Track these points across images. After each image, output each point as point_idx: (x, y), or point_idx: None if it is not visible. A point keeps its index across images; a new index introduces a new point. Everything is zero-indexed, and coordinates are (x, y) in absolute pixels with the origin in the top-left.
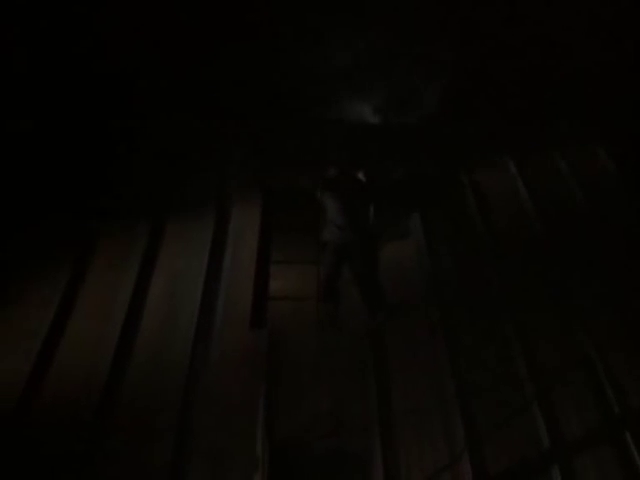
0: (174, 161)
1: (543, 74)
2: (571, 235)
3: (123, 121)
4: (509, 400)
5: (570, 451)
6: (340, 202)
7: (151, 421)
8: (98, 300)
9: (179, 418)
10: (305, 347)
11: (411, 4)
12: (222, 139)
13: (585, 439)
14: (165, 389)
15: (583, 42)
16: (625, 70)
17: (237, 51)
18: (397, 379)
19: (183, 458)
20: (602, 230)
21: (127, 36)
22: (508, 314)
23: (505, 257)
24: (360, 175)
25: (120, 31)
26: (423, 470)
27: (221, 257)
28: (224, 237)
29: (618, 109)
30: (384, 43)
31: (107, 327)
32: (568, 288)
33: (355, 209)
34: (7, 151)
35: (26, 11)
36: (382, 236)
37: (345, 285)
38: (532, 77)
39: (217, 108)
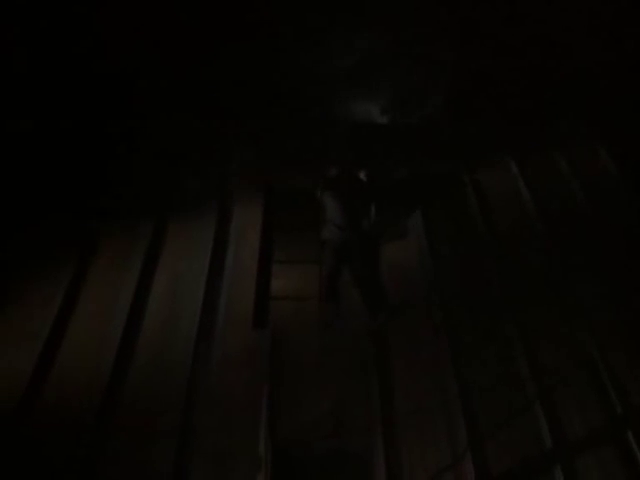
0: (175, 161)
1: (544, 74)
2: (572, 235)
3: (123, 121)
4: (511, 400)
5: (572, 451)
6: (340, 202)
7: (153, 422)
8: (100, 300)
9: (181, 418)
10: (307, 347)
11: (411, 4)
12: (223, 139)
13: (587, 439)
14: (167, 389)
15: (583, 42)
16: (625, 70)
17: (237, 51)
18: (399, 379)
19: (186, 459)
20: (603, 230)
21: (127, 36)
22: (510, 314)
23: (506, 257)
24: (361, 175)
25: (120, 31)
26: (426, 470)
27: (223, 257)
28: (226, 237)
29: (618, 109)
30: (384, 43)
31: (109, 327)
32: (569, 288)
33: (355, 209)
34: (7, 151)
35: (26, 11)
36: (382, 236)
37: (346, 285)
38: (533, 77)
39: (217, 108)
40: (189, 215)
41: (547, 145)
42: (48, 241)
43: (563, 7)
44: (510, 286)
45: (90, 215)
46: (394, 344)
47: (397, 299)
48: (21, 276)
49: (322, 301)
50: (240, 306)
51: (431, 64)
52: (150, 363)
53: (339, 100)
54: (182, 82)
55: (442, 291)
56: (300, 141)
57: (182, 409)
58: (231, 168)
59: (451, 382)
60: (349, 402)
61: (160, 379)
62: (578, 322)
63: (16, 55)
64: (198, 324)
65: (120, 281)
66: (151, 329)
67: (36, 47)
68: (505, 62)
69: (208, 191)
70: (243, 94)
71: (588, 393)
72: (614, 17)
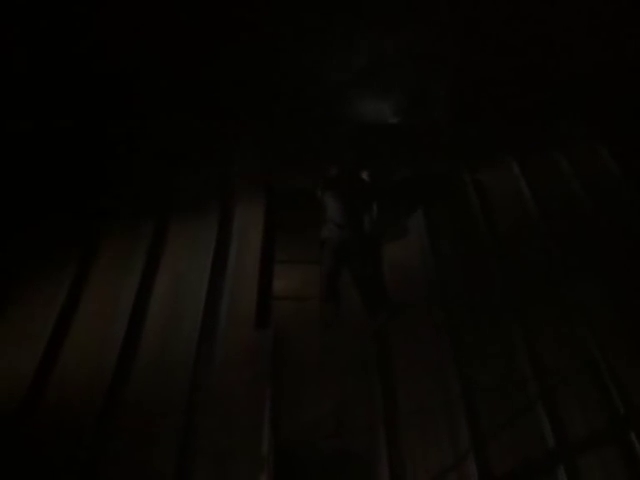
0: (175, 161)
1: (545, 74)
2: (573, 234)
3: (123, 121)
4: (513, 400)
5: (575, 451)
6: (341, 201)
7: (155, 422)
8: (101, 301)
9: (183, 419)
10: (309, 347)
11: (411, 4)
12: (224, 139)
13: (590, 439)
14: (169, 390)
15: (584, 42)
16: (626, 70)
17: (237, 51)
18: (401, 379)
19: (188, 459)
20: (604, 229)
21: (127, 36)
22: (511, 314)
23: (508, 257)
24: (363, 175)
25: (120, 31)
26: (428, 470)
27: (225, 257)
28: (228, 237)
29: (619, 108)
30: (384, 43)
31: (111, 328)
32: (571, 287)
33: (355, 209)
34: (7, 151)
35: (26, 11)
36: (384, 236)
37: (346, 285)
38: (534, 77)
39: (218, 108)
40: (190, 215)
41: (548, 145)
42: (49, 241)
43: (563, 7)
44: (512, 286)
45: (91, 215)
46: (396, 344)
47: (399, 299)
48: (22, 277)
49: (322, 301)
50: (242, 306)
51: (432, 64)
52: (152, 363)
53: (340, 100)
54: (182, 82)
55: (444, 291)
56: (301, 141)
57: (184, 409)
58: (232, 168)
59: (453, 382)
60: (351, 402)
61: (162, 379)
62: (580, 322)
63: (16, 55)
64: (200, 324)
65: (122, 281)
66: (153, 329)
67: (36, 47)
68: (506, 62)
69: (209, 191)
70: (243, 94)
71: (590, 393)
72: (614, 17)
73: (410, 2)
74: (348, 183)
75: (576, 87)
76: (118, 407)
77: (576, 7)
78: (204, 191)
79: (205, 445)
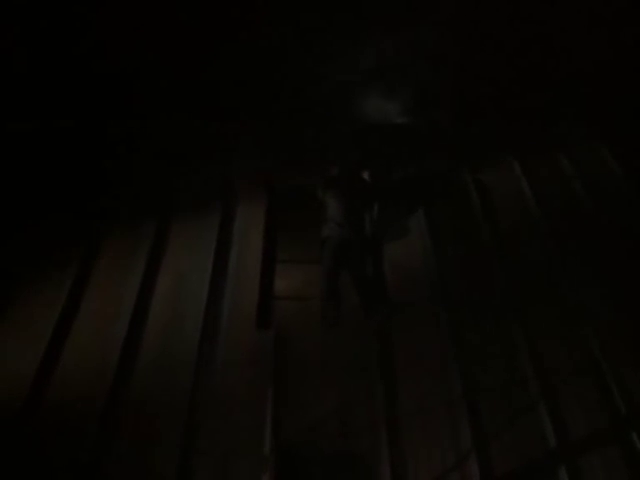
0: (176, 161)
1: (545, 74)
2: (575, 234)
3: (123, 121)
4: (515, 400)
5: (576, 451)
6: (341, 201)
7: (157, 422)
8: (103, 301)
9: (185, 419)
10: (311, 347)
11: (412, 4)
12: (225, 139)
13: (592, 439)
14: (171, 390)
15: (584, 42)
16: (627, 69)
17: (237, 51)
18: (403, 379)
19: (190, 459)
20: (606, 229)
21: (127, 36)
22: (513, 314)
23: (509, 256)
24: (365, 175)
25: (120, 31)
26: (430, 470)
27: (226, 257)
28: (229, 237)
29: (620, 108)
30: (385, 43)
31: (112, 328)
32: (573, 288)
33: (356, 208)
34: (7, 151)
35: (26, 11)
36: (385, 235)
37: (348, 285)
38: (534, 77)
39: (218, 108)
40: (192, 215)
41: (550, 145)
42: (49, 242)
43: (563, 7)
44: (513, 286)
45: (91, 215)
46: (397, 343)
47: (399, 298)
48: (23, 277)
49: (322, 301)
50: (243, 306)
51: (433, 64)
52: (153, 364)
53: (341, 100)
54: (182, 82)
55: (445, 290)
56: (302, 141)
57: (186, 409)
58: (233, 168)
59: (455, 382)
60: (353, 402)
61: (163, 380)
62: (581, 322)
63: (16, 55)
64: (201, 324)
65: (123, 282)
66: (154, 330)
67: (36, 47)
68: (507, 62)
69: (210, 191)
70: (243, 94)
71: (591, 393)
72: (614, 17)
73: (410, 2)
74: (349, 182)
75: (577, 87)
76: (120, 407)
77: (576, 7)
78: (205, 191)
79: (207, 445)
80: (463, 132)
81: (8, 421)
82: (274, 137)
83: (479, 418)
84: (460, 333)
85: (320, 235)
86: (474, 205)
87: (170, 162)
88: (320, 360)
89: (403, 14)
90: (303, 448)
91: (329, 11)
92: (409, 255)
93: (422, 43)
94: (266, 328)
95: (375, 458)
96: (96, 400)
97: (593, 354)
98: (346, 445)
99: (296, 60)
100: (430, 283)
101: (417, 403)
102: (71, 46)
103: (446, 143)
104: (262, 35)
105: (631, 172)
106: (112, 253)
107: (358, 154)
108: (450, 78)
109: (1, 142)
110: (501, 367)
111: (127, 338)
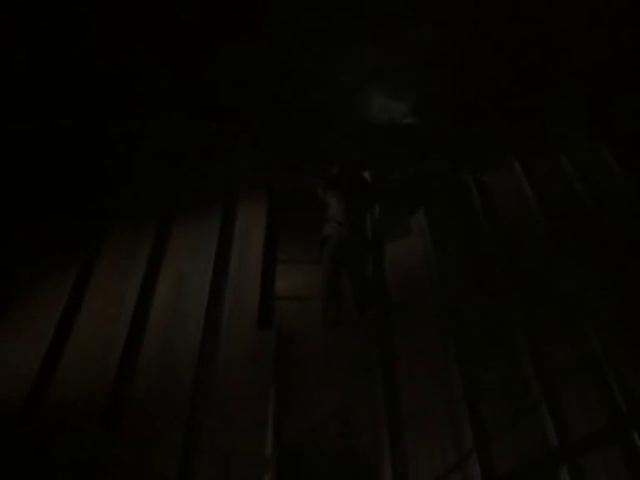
0: (176, 161)
1: (546, 74)
2: (576, 234)
3: (123, 121)
4: (517, 400)
5: (578, 451)
6: (342, 200)
7: (159, 422)
8: (104, 301)
9: (187, 419)
10: (312, 347)
11: (412, 4)
12: (225, 139)
13: (593, 439)
14: (172, 390)
15: (585, 41)
16: (627, 69)
17: (237, 51)
18: (404, 379)
19: (191, 459)
20: (606, 229)
21: (127, 36)
22: (514, 313)
23: (510, 256)
24: (366, 175)
25: (120, 31)
26: (431, 470)
27: (227, 257)
28: (230, 237)
29: (620, 108)
30: (385, 43)
31: (113, 328)
32: (574, 287)
33: (357, 208)
34: (7, 151)
35: (26, 11)
36: (386, 235)
37: (348, 285)
38: (535, 77)
39: (218, 108)
40: (192, 215)
41: (550, 145)
42: (50, 242)
43: (564, 7)
44: (514, 285)
45: (92, 216)
46: (398, 343)
47: (401, 298)
48: (24, 278)
49: (322, 300)
50: (244, 306)
51: (434, 64)
52: (154, 364)
53: (341, 100)
54: (182, 82)
55: (446, 290)
56: (302, 141)
57: (187, 409)
58: (233, 169)
59: (456, 382)
60: (354, 402)
61: (165, 380)
62: (582, 322)
63: (16, 55)
64: (202, 325)
65: (124, 282)
66: (155, 330)
67: (36, 47)
68: (507, 62)
69: (211, 192)
70: (243, 94)
71: (593, 393)
72: (614, 17)
73: (411, 2)
74: (350, 182)
75: (577, 87)
76: (121, 407)
77: (576, 7)
78: (206, 191)
79: (208, 445)
80: (464, 132)
81: (9, 421)
82: (274, 137)
83: (480, 418)
84: (461, 333)
85: (321, 234)
86: (475, 205)
87: (170, 162)
88: (321, 360)
89: (403, 14)
90: (304, 448)
91: (329, 11)
92: (410, 255)
93: (422, 43)
94: (267, 328)
95: (376, 458)
96: (97, 400)
97: (594, 354)
98: (347, 445)
99: (296, 60)
100: (431, 283)
101: (418, 403)
102: (71, 46)
103: (447, 143)
104: (262, 35)
105: (631, 172)
106: (113, 253)
107: (359, 154)
108: (450, 78)
109: (1, 142)
110: (502, 367)
111: (128, 338)
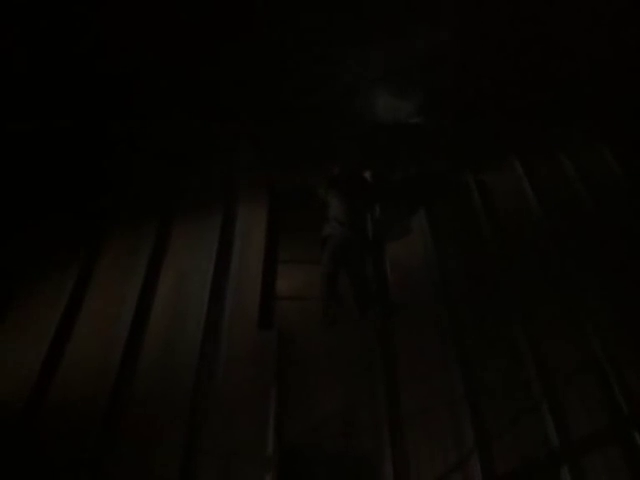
0: (176, 161)
1: (546, 74)
2: (577, 234)
3: (123, 121)
4: (518, 400)
5: (579, 451)
6: (343, 200)
7: (160, 423)
8: (105, 301)
9: (188, 419)
10: (313, 347)
11: (412, 4)
12: (226, 139)
13: (594, 439)
14: (174, 390)
15: (585, 41)
16: (628, 69)
17: (237, 51)
18: (405, 379)
19: (192, 460)
20: (607, 229)
21: (127, 36)
22: (515, 314)
23: (511, 256)
24: (366, 175)
25: (120, 31)
26: (432, 470)
27: (228, 257)
28: (231, 237)
29: (621, 108)
30: (385, 44)
31: (114, 328)
32: (575, 287)
33: (357, 208)
34: (8, 151)
35: (26, 11)
36: (386, 235)
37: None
38: (536, 77)
39: (218, 108)
40: (193, 215)
41: (551, 145)
42: (50, 242)
43: (564, 7)
44: (514, 285)
45: (92, 216)
46: (400, 344)
47: (401, 298)
48: (24, 278)
49: (322, 300)
50: (245, 306)
51: (434, 64)
52: (155, 364)
53: (342, 100)
54: (182, 82)
55: (447, 290)
56: (303, 141)
57: (188, 410)
58: (234, 169)
59: (457, 382)
60: (356, 402)
61: (166, 380)
62: (583, 322)
63: (16, 55)
64: (203, 325)
65: (125, 282)
66: (156, 330)
67: (36, 47)
68: (508, 62)
69: (211, 192)
70: (243, 94)
71: (594, 393)
72: (615, 17)
73: (411, 2)
74: (351, 182)
75: (578, 87)
76: (122, 407)
77: (577, 7)
78: (206, 191)
79: (209, 445)
80: (464, 132)
81: (10, 421)
82: (274, 137)
83: (481, 418)
84: (461, 333)
85: (322, 234)
86: (475, 205)
87: (171, 162)
88: (322, 360)
89: (403, 14)
90: (305, 448)
91: (329, 11)
92: (410, 255)
93: (423, 43)
94: (268, 328)
95: (378, 458)
96: (98, 400)
97: (595, 354)
98: (349, 445)
99: (296, 60)
100: (432, 283)
101: (419, 403)
102: (71, 46)
103: (447, 143)
104: (262, 35)
105: (631, 172)
106: (113, 253)
107: (359, 154)
108: (451, 78)
109: (1, 142)
110: (503, 367)
111: (129, 338)
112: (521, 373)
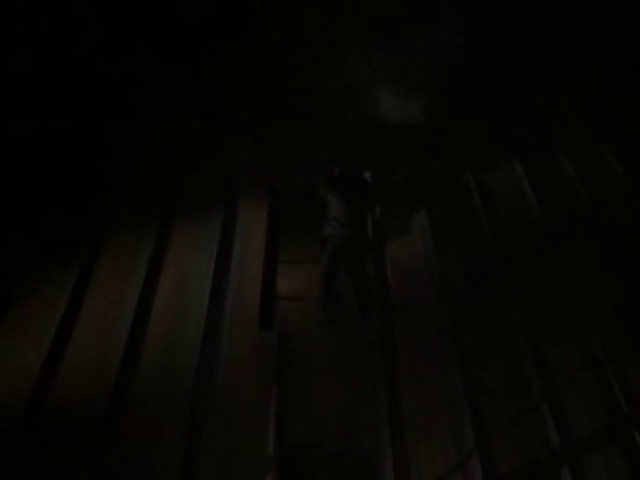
0: (177, 162)
1: (547, 74)
2: (577, 234)
3: (123, 121)
4: (518, 400)
5: (579, 451)
6: (343, 200)
7: (160, 423)
8: (105, 302)
9: (188, 419)
10: (314, 347)
11: (413, 4)
12: (226, 139)
13: (594, 439)
14: (174, 391)
15: (586, 41)
16: (629, 69)
17: (237, 51)
18: (406, 379)
19: (193, 460)
20: (607, 229)
21: (127, 36)
22: (515, 314)
23: (511, 256)
24: (366, 175)
25: (120, 31)
26: (433, 470)
27: (228, 257)
28: (231, 237)
29: (622, 108)
30: (386, 44)
31: (115, 329)
32: (575, 288)
33: (358, 208)
34: (7, 151)
35: (26, 11)
36: (387, 235)
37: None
38: (536, 77)
39: (218, 108)
40: (193, 216)
41: (551, 145)
42: (51, 242)
43: (565, 7)
44: (515, 286)
45: (93, 216)
46: (400, 344)
47: (402, 298)
48: (25, 278)
49: (320, 300)
50: (246, 307)
51: (435, 64)
52: (156, 364)
53: (342, 100)
54: (182, 82)
55: (447, 291)
56: (303, 141)
57: (188, 410)
58: (234, 169)
59: (457, 382)
60: (356, 402)
61: (167, 380)
62: (583, 322)
63: (16, 55)
64: (204, 325)
65: (125, 282)
66: (157, 330)
67: (36, 47)
68: (509, 62)
69: (212, 192)
70: (243, 94)
71: (594, 393)
72: (616, 17)
73: (412, 2)
74: (351, 182)
75: (578, 87)
76: (122, 408)
77: (578, 7)
78: (206, 191)
79: (210, 446)
80: (465, 132)
81: (10, 422)
82: (275, 137)
83: (481, 418)
84: (462, 333)
85: (322, 234)
86: (476, 205)
87: (171, 162)
88: (323, 360)
89: (404, 14)
90: (306, 448)
91: (329, 11)
92: (411, 255)
93: (424, 43)
94: (269, 328)
95: (378, 458)
96: (98, 401)
97: (595, 354)
98: (349, 445)
99: (296, 60)
100: (432, 283)
101: (419, 403)
102: (71, 46)
103: (448, 143)
104: (262, 35)
105: (631, 172)
106: (113, 253)
107: (360, 154)
108: (452, 78)
109: (1, 142)
110: (503, 367)
111: (129, 339)
112: (521, 373)
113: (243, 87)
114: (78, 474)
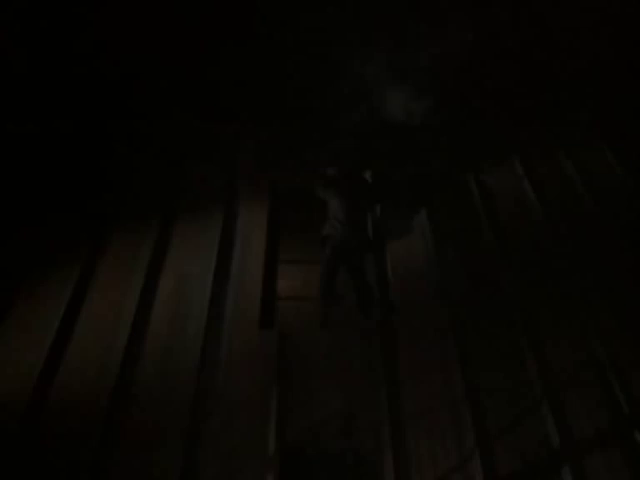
0: (177, 162)
1: (548, 74)
2: (577, 235)
3: (124, 122)
4: (519, 400)
5: (580, 451)
6: (343, 200)
7: (161, 424)
8: (106, 303)
9: (189, 420)
10: (314, 347)
11: (414, 4)
12: (226, 139)
13: (595, 439)
14: (175, 391)
15: (588, 42)
16: (629, 69)
17: (237, 51)
18: (407, 379)
19: (194, 460)
20: (608, 229)
21: (127, 36)
22: (516, 314)
23: (512, 257)
24: (367, 175)
25: (120, 31)
26: (433, 470)
27: (229, 258)
28: (232, 237)
29: (622, 108)
30: (387, 44)
31: (115, 329)
32: (576, 288)
33: (357, 208)
34: (8, 152)
35: (26, 11)
36: (387, 235)
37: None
38: (537, 77)
39: (219, 108)
40: (193, 216)
41: (552, 145)
42: (51, 243)
43: (567, 7)
44: (515, 286)
45: (93, 216)
46: (401, 344)
47: (402, 299)
48: (25, 279)
49: (320, 300)
50: (246, 307)
51: (435, 65)
52: (157, 365)
53: (342, 100)
54: (182, 82)
55: (448, 291)
56: (303, 141)
57: (190, 410)
58: (234, 169)
59: (458, 382)
60: (357, 402)
61: (167, 381)
62: (584, 322)
63: (16, 55)
64: (204, 325)
65: (125, 283)
66: (157, 331)
67: (36, 47)
68: (510, 62)
69: (212, 192)
70: (244, 94)
71: (595, 393)
72: (617, 17)
73: (412, 2)
74: (351, 182)
75: (579, 87)
76: (123, 409)
77: (579, 7)
78: (207, 192)
79: (211, 446)
80: (465, 132)
81: (10, 423)
82: (275, 137)
83: (482, 418)
84: (463, 333)
85: (322, 233)
86: (476, 205)
87: (171, 163)
88: (323, 360)
89: (404, 15)
90: (307, 448)
91: (329, 11)
92: (411, 255)
93: (424, 43)
94: (269, 329)
95: (379, 458)
96: (99, 402)
97: (596, 354)
98: (350, 445)
99: (296, 60)
100: (432, 283)
101: (420, 403)
102: (71, 46)
103: (448, 143)
104: (262, 35)
105: (632, 172)
106: (114, 254)
107: (360, 154)
108: (452, 78)
109: (1, 143)
110: (504, 367)
111: (130, 339)
112: (522, 373)
113: (243, 87)
114: (78, 475)
